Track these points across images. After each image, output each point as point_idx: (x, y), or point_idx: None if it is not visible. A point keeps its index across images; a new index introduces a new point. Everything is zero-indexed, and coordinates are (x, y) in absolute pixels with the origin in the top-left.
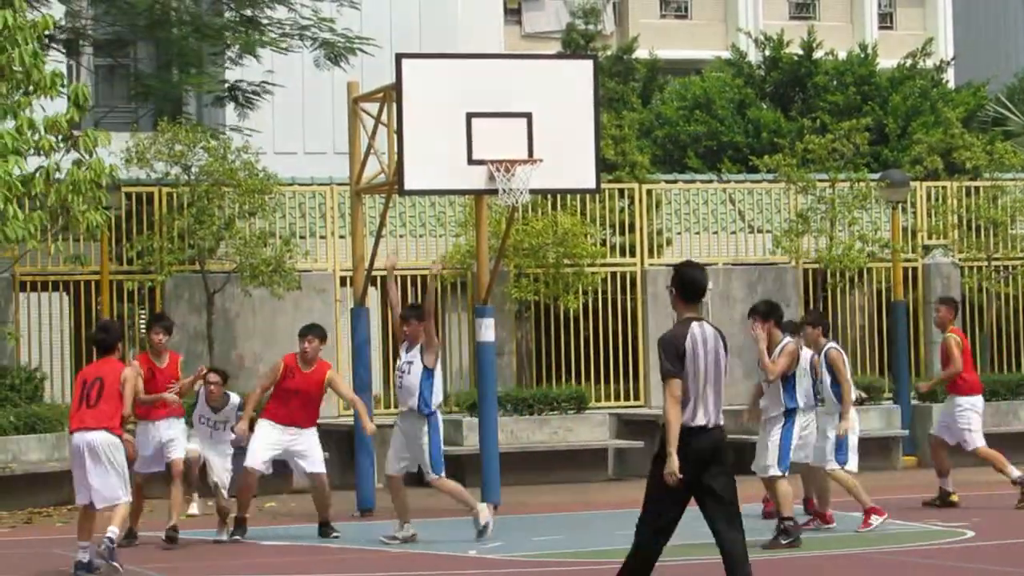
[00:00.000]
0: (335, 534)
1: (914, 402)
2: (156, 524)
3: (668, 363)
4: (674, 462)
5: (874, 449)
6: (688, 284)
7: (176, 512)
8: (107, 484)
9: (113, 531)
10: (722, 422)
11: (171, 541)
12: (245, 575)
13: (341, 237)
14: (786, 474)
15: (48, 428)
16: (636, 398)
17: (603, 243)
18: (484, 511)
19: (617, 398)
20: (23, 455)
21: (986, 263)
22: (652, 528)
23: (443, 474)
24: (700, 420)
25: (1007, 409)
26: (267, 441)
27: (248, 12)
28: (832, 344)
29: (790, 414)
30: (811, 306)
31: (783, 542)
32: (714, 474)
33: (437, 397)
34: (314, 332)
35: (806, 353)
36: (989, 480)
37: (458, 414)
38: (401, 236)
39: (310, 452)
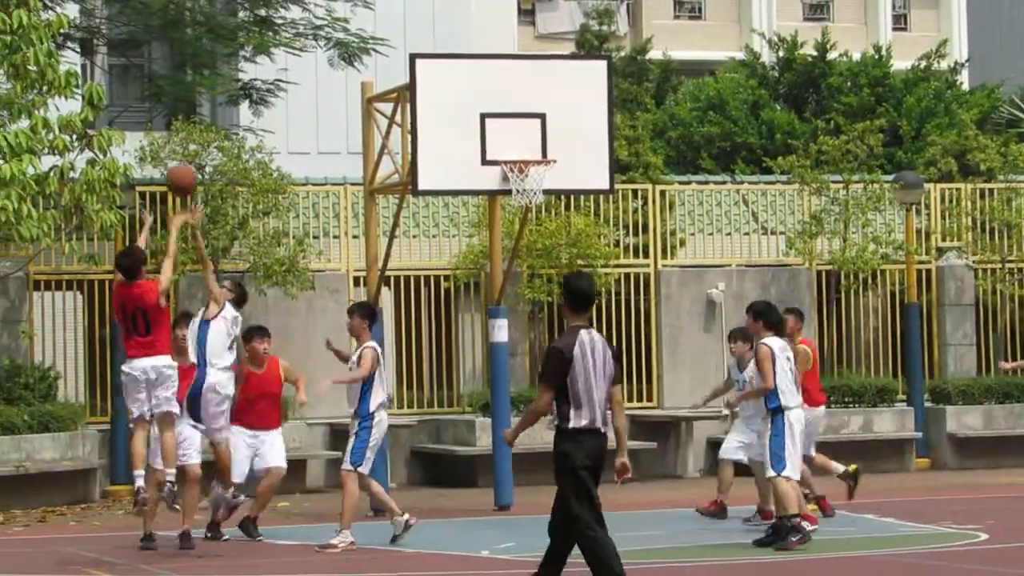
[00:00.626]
0: (259, 536)
1: (927, 404)
2: (171, 524)
3: (549, 372)
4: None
5: (887, 451)
6: (575, 294)
7: (190, 516)
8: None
9: (170, 474)
10: (607, 429)
11: (188, 541)
12: (257, 575)
13: (355, 237)
14: (781, 473)
15: (62, 427)
16: (649, 399)
17: (616, 244)
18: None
19: (630, 399)
20: (37, 454)
21: (1000, 265)
22: (588, 525)
23: (357, 470)
24: (592, 423)
25: (1020, 412)
26: (241, 455)
27: (262, 12)
28: (766, 341)
29: (776, 413)
30: (824, 308)
31: (793, 539)
32: (596, 477)
33: (369, 401)
34: (264, 333)
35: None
36: (1003, 483)
37: (471, 414)
38: (415, 236)
39: (276, 447)
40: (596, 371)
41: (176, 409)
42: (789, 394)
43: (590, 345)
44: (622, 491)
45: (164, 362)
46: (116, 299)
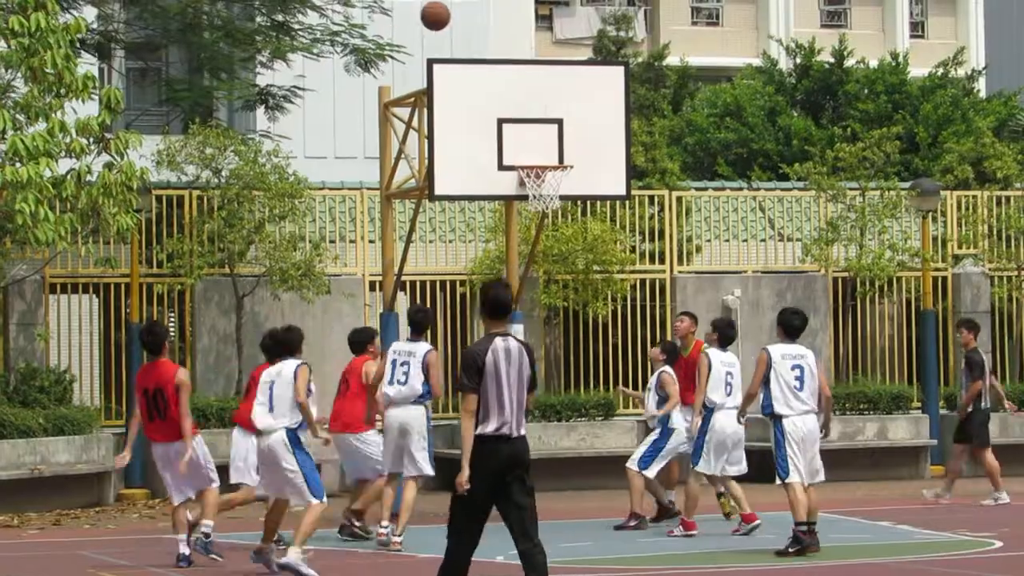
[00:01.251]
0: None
1: (943, 411)
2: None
3: (465, 377)
4: (464, 472)
5: (902, 458)
6: (492, 302)
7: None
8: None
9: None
10: (523, 433)
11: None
12: None
13: (371, 242)
14: (786, 480)
15: (77, 430)
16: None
17: (632, 250)
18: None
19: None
20: (52, 457)
21: (1016, 273)
22: (459, 535)
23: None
24: (499, 430)
25: None
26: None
27: (279, 17)
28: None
29: (774, 421)
30: (840, 315)
31: (791, 550)
32: (512, 483)
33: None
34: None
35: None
36: (1017, 491)
37: None
38: (431, 241)
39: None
40: (510, 378)
41: (210, 483)
42: (783, 401)
43: (504, 352)
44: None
45: (177, 447)
46: (139, 378)
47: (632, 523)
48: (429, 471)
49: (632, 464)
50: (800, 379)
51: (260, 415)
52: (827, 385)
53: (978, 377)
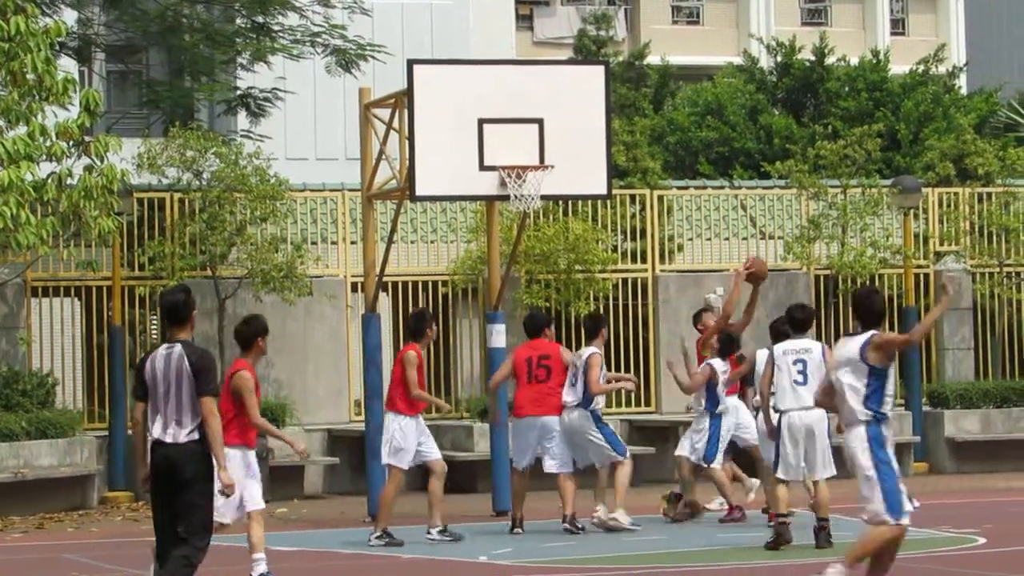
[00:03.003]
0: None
1: (925, 408)
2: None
3: (135, 385)
4: (141, 472)
5: None
6: (164, 309)
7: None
8: None
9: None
10: (182, 440)
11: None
12: None
13: (352, 243)
14: (777, 473)
15: (60, 433)
16: (648, 404)
17: (614, 249)
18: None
19: (628, 404)
20: (35, 460)
21: (998, 269)
22: (158, 537)
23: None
24: (158, 435)
25: (1018, 416)
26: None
27: (259, 19)
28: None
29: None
30: (823, 312)
31: (769, 540)
32: (169, 488)
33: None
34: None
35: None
36: (1000, 487)
37: (468, 420)
38: (412, 242)
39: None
40: (169, 383)
41: (231, 515)
42: (783, 396)
43: (164, 360)
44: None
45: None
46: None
47: (737, 515)
48: (618, 456)
49: (701, 463)
50: (803, 373)
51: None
52: None
53: None
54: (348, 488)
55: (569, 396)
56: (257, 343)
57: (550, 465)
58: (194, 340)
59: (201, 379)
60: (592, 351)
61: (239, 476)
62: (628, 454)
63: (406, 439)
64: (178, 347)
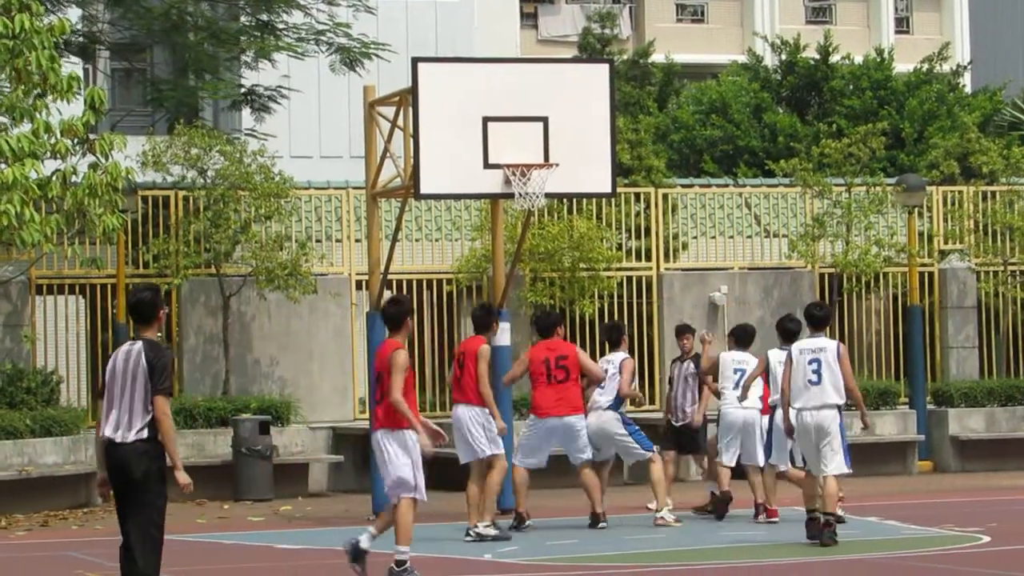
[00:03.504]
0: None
1: (930, 407)
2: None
3: (100, 384)
4: (100, 473)
5: (890, 454)
6: (130, 307)
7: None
8: None
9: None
10: (131, 439)
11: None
12: None
13: (357, 241)
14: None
15: (64, 431)
16: (652, 402)
17: (619, 247)
18: None
19: (631, 403)
20: (39, 458)
21: (1002, 268)
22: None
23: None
24: (110, 435)
25: (1023, 414)
26: None
27: (264, 17)
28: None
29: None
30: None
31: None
32: (125, 488)
33: None
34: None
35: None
36: (1005, 485)
37: None
38: (417, 240)
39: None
40: (125, 381)
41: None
42: (797, 395)
43: (124, 356)
44: (628, 493)
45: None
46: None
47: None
48: (645, 454)
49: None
50: (818, 372)
51: None
52: (851, 377)
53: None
54: (352, 486)
55: (601, 397)
56: (406, 322)
57: (577, 459)
58: (161, 339)
59: (156, 377)
60: (625, 356)
61: (415, 457)
62: (656, 450)
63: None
64: (139, 344)
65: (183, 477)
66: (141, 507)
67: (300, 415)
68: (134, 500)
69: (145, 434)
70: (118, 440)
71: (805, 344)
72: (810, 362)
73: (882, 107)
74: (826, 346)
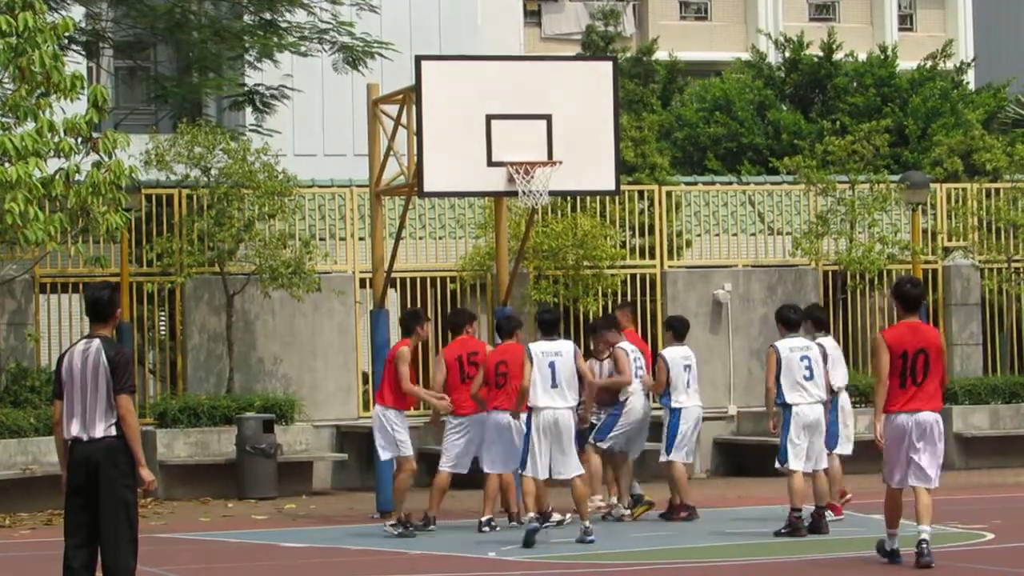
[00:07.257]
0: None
1: None
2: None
3: (54, 383)
4: (63, 474)
5: None
6: (87, 303)
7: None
8: None
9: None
10: (99, 435)
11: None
12: None
13: (361, 239)
14: (786, 464)
15: None
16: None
17: (622, 245)
18: None
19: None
20: (43, 457)
21: (1006, 265)
22: (66, 537)
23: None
24: (76, 433)
25: None
26: None
27: (267, 15)
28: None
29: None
30: (831, 308)
31: (783, 531)
32: (94, 486)
33: None
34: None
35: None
36: (1009, 483)
37: None
38: (420, 238)
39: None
40: (86, 380)
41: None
42: (794, 392)
43: (81, 355)
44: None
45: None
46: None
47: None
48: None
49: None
50: (810, 369)
51: None
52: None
53: None
54: (356, 484)
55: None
56: (415, 329)
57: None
58: (116, 337)
59: (118, 376)
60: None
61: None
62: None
63: (398, 430)
64: (96, 342)
65: (147, 474)
66: (113, 503)
67: (304, 413)
68: (106, 496)
69: (114, 431)
70: (85, 439)
71: (792, 343)
72: (801, 359)
73: (886, 104)
74: (811, 345)
